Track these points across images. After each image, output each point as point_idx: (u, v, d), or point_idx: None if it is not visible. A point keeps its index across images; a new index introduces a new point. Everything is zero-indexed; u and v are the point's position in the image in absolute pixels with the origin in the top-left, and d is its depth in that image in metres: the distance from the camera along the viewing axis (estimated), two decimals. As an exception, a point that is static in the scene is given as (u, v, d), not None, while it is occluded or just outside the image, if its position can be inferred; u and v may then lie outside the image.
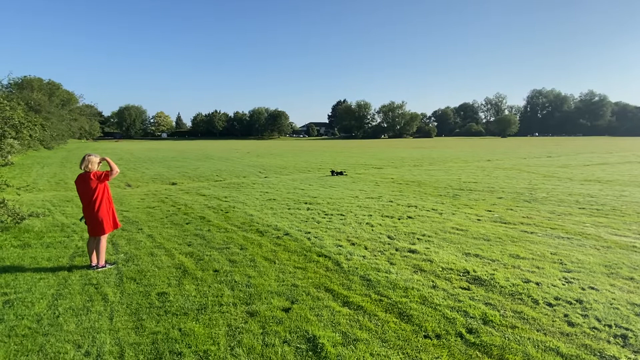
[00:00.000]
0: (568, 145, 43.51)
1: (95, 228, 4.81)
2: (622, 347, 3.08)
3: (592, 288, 4.17)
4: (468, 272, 4.66)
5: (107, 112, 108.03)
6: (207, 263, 5.06)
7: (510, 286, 4.24)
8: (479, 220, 7.39)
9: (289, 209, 8.60)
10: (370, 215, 7.83)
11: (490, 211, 8.17)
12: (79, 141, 64.79)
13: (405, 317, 3.59)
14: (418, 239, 6.12)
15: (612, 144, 46.47)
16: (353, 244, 5.85)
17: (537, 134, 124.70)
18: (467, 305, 3.80)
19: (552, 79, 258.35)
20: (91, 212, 4.78)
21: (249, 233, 6.54)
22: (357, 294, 4.10)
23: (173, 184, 13.44)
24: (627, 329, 3.32)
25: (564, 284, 4.28)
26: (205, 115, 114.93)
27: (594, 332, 3.30)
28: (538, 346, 3.10)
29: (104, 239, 4.88)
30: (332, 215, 7.90)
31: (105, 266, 4.88)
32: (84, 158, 4.80)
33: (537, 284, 4.30)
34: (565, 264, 4.91)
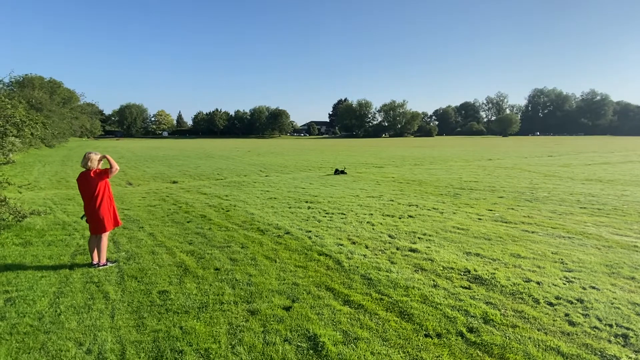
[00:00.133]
0: (569, 145, 43.44)
1: (96, 226, 4.83)
2: (623, 346, 3.08)
3: (593, 287, 4.17)
4: (469, 271, 4.65)
5: (108, 111, 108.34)
6: (208, 261, 5.06)
7: (511, 285, 4.24)
8: (479, 219, 7.38)
9: (289, 207, 8.60)
10: (371, 214, 7.83)
11: (491, 210, 8.17)
12: (80, 139, 64.89)
13: (406, 316, 3.59)
14: (419, 238, 6.12)
15: (614, 144, 46.37)
16: (354, 243, 5.85)
17: (538, 133, 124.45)
18: (468, 304, 3.81)
19: (553, 78, 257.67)
20: (92, 210, 4.79)
21: (250, 232, 6.54)
22: (357, 292, 4.10)
23: (174, 182, 13.45)
24: (628, 329, 3.32)
25: (564, 284, 4.28)
26: (206, 113, 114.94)
27: (594, 331, 3.30)
28: (539, 345, 3.10)
29: (105, 237, 4.89)
30: (332, 214, 7.90)
31: (106, 264, 4.89)
32: (84, 156, 4.81)
33: (538, 283, 4.30)
34: (566, 264, 4.90)
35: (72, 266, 4.88)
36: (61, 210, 8.34)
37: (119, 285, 4.30)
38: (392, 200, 9.41)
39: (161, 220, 7.46)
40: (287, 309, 3.74)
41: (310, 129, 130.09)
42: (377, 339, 3.21)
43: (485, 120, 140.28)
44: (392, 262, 5.00)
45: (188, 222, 7.29)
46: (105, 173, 4.81)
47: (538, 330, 3.34)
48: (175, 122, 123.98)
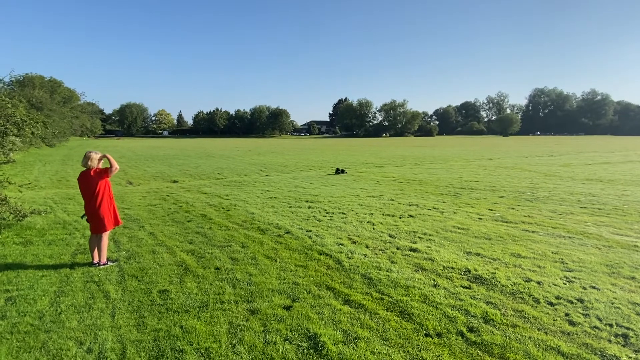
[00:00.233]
0: (570, 144, 43.41)
1: (96, 225, 4.83)
2: (623, 346, 3.08)
3: (594, 287, 4.17)
4: (469, 271, 4.66)
5: (108, 110, 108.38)
6: (208, 261, 5.07)
7: (512, 285, 4.24)
8: (480, 219, 7.38)
9: (290, 207, 8.60)
10: (372, 214, 7.83)
11: (491, 210, 8.17)
12: (81, 139, 64.90)
13: (406, 316, 3.59)
14: (419, 237, 6.12)
15: (614, 143, 46.34)
16: (354, 243, 5.85)
17: (538, 133, 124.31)
18: (468, 304, 3.81)
19: (554, 77, 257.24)
20: (92, 209, 4.80)
21: (250, 231, 6.55)
22: (358, 292, 4.10)
23: (174, 181, 13.45)
24: (628, 328, 3.32)
25: (565, 283, 4.28)
26: (207, 113, 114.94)
27: (595, 331, 3.30)
28: (539, 345, 3.10)
29: (105, 237, 4.90)
30: (333, 213, 7.91)
31: (107, 263, 4.89)
32: (85, 155, 4.81)
33: (538, 283, 4.30)
34: (567, 263, 4.90)
35: (72, 265, 4.89)
36: (62, 210, 8.35)
37: (119, 285, 4.30)
38: (393, 200, 9.40)
39: (161, 219, 7.47)
40: (288, 308, 3.74)
41: (311, 129, 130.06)
42: (377, 339, 3.21)
43: (485, 119, 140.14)
44: (392, 262, 5.00)
45: (188, 221, 7.29)
46: (105, 172, 4.81)
47: (538, 329, 3.34)
48: (175, 121, 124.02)
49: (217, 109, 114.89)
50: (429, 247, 5.61)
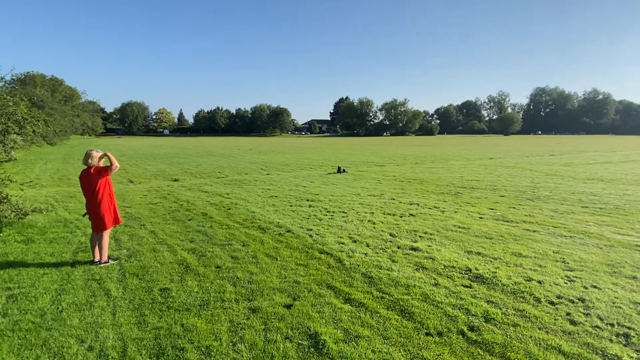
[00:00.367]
0: (571, 144, 43.32)
1: (97, 223, 4.84)
2: (625, 345, 3.07)
3: (595, 287, 4.16)
4: (470, 270, 4.65)
5: (109, 109, 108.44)
6: (209, 259, 5.07)
7: (513, 284, 4.23)
8: (481, 218, 7.37)
9: (290, 206, 8.61)
10: (372, 213, 7.83)
11: (492, 209, 8.16)
12: (82, 137, 64.96)
13: (407, 315, 3.59)
14: (420, 236, 6.12)
15: (616, 143, 46.23)
16: (355, 242, 5.85)
17: (540, 132, 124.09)
18: (469, 303, 3.80)
19: (555, 77, 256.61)
20: (93, 208, 4.81)
21: (251, 230, 6.55)
22: (358, 291, 4.10)
23: (175, 180, 13.46)
24: (629, 328, 3.31)
25: (566, 283, 4.28)
26: (208, 112, 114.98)
27: (596, 330, 3.29)
28: (540, 344, 3.10)
29: (106, 235, 4.90)
30: (334, 212, 7.91)
31: (108, 262, 4.90)
32: (86, 153, 4.82)
33: (540, 282, 4.29)
34: (568, 263, 4.90)
35: (73, 263, 4.90)
36: (63, 208, 8.36)
37: (120, 283, 4.31)
38: (393, 199, 9.40)
39: (162, 218, 7.47)
40: (288, 307, 3.74)
41: (312, 128, 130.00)
42: (378, 337, 3.21)
43: (486, 119, 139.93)
44: (393, 261, 5.00)
45: (189, 220, 7.30)
46: (105, 170, 4.81)
47: (539, 329, 3.33)
48: (176, 120, 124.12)
49: (218, 108, 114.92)
50: (430, 246, 5.61)
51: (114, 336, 3.22)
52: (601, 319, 3.47)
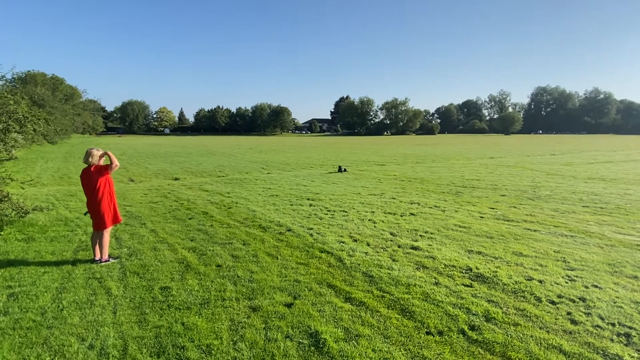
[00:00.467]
0: (572, 143, 43.25)
1: (97, 222, 4.84)
2: (626, 345, 3.07)
3: (596, 286, 4.16)
4: (471, 269, 4.65)
5: (110, 107, 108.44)
6: (209, 258, 5.07)
7: (513, 284, 4.23)
8: (481, 217, 7.37)
9: (291, 205, 8.61)
10: (373, 212, 7.82)
11: (493, 209, 8.15)
12: (82, 136, 65.01)
13: (407, 314, 3.59)
14: (420, 235, 6.12)
15: (617, 142, 46.15)
16: (355, 241, 5.85)
17: (540, 132, 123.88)
18: (470, 302, 3.80)
19: (556, 76, 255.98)
20: (93, 206, 4.81)
21: (252, 229, 6.55)
22: (359, 290, 4.10)
23: (176, 179, 13.47)
24: (630, 328, 3.31)
25: (567, 282, 4.27)
26: (208, 110, 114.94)
27: (597, 330, 3.29)
28: (541, 344, 3.10)
29: (107, 233, 4.91)
30: (334, 211, 7.90)
31: (108, 260, 4.90)
32: (86, 152, 4.82)
33: (540, 281, 4.28)
34: (569, 262, 4.89)
35: (74, 262, 4.90)
36: (63, 207, 8.37)
37: (121, 281, 4.31)
38: (394, 198, 9.39)
39: (163, 216, 7.48)
40: (289, 305, 3.74)
41: (312, 127, 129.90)
42: (378, 336, 3.21)
43: (487, 118, 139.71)
44: (393, 260, 4.99)
45: (190, 218, 7.30)
46: (105, 169, 4.82)
47: (540, 328, 3.33)
48: (177, 119, 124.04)
49: (218, 107, 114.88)
50: (431, 245, 5.61)
51: (114, 335, 3.22)
52: (602, 319, 3.47)
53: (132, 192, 10.45)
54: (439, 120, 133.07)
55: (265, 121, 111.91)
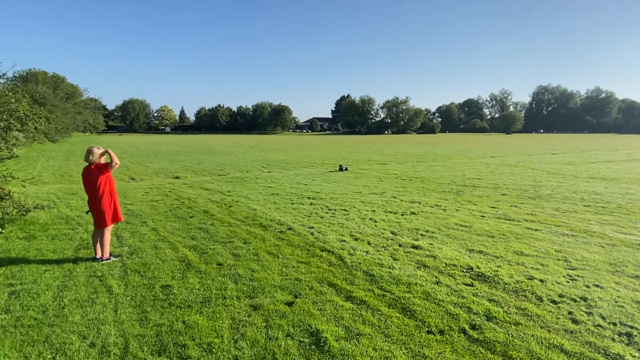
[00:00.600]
0: (573, 143, 43.17)
1: (98, 220, 4.85)
2: (627, 345, 3.06)
3: (597, 286, 4.15)
4: (472, 269, 4.64)
5: (111, 106, 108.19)
6: (210, 256, 5.08)
7: (514, 283, 4.22)
8: (482, 216, 7.36)
9: (292, 203, 8.60)
10: (374, 211, 7.82)
11: (494, 208, 8.14)
12: (83, 134, 65.08)
13: (408, 313, 3.59)
14: (421, 235, 6.11)
15: (618, 142, 46.05)
16: (356, 239, 5.84)
17: (542, 131, 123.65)
18: (471, 301, 3.80)
19: (558, 75, 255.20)
20: (94, 204, 4.82)
21: (253, 227, 6.55)
22: (360, 288, 4.10)
23: (177, 177, 13.47)
24: (632, 327, 3.30)
25: (568, 282, 4.27)
26: (209, 109, 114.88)
27: (598, 329, 3.28)
28: (542, 343, 3.09)
29: (108, 232, 4.91)
30: (335, 210, 7.90)
31: (109, 258, 4.91)
32: (87, 150, 4.83)
33: (541, 281, 4.28)
34: (570, 262, 4.88)
35: (75, 260, 4.91)
36: (65, 205, 8.38)
37: (122, 280, 4.32)
38: (395, 197, 9.39)
39: (164, 215, 7.48)
40: (290, 304, 3.75)
41: (313, 125, 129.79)
42: (379, 335, 3.21)
43: (488, 117, 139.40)
44: (394, 259, 4.99)
45: (191, 217, 7.30)
46: (106, 167, 4.82)
47: (541, 328, 3.33)
48: (177, 117, 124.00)
49: (219, 105, 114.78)
50: (431, 244, 5.60)
51: (115, 333, 3.23)
52: (603, 318, 3.46)
53: (133, 190, 10.46)
54: (440, 119, 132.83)
55: (266, 120, 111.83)
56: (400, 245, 5.55)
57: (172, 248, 5.42)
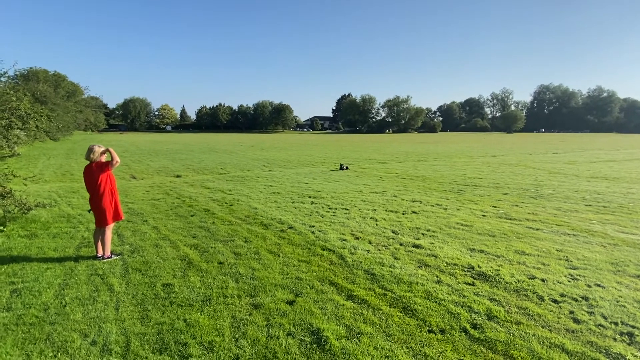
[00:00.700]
0: (575, 142, 43.07)
1: (99, 218, 4.86)
2: (629, 344, 3.06)
3: (598, 285, 4.14)
4: (473, 268, 4.64)
5: (112, 104, 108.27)
6: (211, 255, 5.08)
7: (516, 282, 4.22)
8: (484, 216, 7.35)
9: (293, 202, 8.60)
10: (375, 210, 7.81)
11: (495, 207, 8.13)
12: (85, 133, 65.15)
13: (409, 312, 3.59)
14: (422, 234, 6.11)
15: (620, 141, 45.93)
16: (357, 238, 5.84)
17: (543, 130, 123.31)
18: (472, 300, 3.79)
19: (559, 74, 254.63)
20: (95, 203, 4.82)
21: (253, 226, 6.55)
22: (361, 287, 4.10)
23: (177, 176, 13.48)
24: (633, 327, 3.29)
25: (569, 281, 4.26)
26: (210, 108, 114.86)
27: (599, 329, 3.28)
28: (543, 342, 3.09)
29: (109, 230, 4.92)
30: (336, 209, 7.90)
31: (111, 257, 4.92)
32: (88, 148, 4.83)
33: (543, 280, 4.27)
34: (571, 261, 4.87)
35: (77, 258, 4.91)
36: (66, 203, 8.39)
37: (123, 278, 4.32)
38: (396, 196, 9.38)
39: (165, 213, 7.49)
40: (291, 303, 3.75)
41: (314, 124, 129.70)
42: (380, 334, 3.21)
43: (489, 116, 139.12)
44: (395, 258, 4.99)
45: (192, 215, 7.31)
46: (106, 165, 4.82)
47: (542, 327, 3.32)
48: (178, 116, 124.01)
49: (220, 104, 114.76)
50: (432, 243, 5.60)
51: (117, 331, 3.23)
52: (605, 318, 3.45)
53: (134, 189, 10.47)
54: (441, 118, 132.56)
55: (266, 119, 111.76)
56: (401, 245, 5.55)
57: (173, 247, 5.43)
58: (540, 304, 3.73)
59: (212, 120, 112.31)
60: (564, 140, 50.16)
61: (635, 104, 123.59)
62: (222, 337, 3.14)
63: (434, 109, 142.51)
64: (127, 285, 4.12)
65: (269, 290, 4.01)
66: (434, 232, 6.20)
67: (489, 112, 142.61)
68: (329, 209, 7.93)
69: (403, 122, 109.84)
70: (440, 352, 2.97)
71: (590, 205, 8.33)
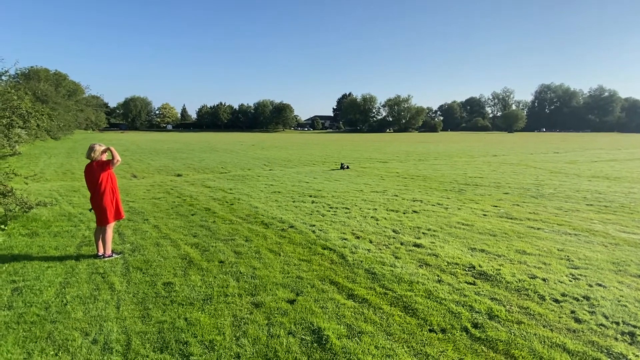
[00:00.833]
0: (576, 141, 42.99)
1: (99, 217, 4.86)
2: (630, 344, 3.05)
3: (600, 285, 4.14)
4: (474, 267, 4.63)
5: (113, 103, 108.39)
6: (212, 254, 5.08)
7: (517, 282, 4.21)
8: (484, 215, 7.34)
9: (293, 201, 8.60)
10: (375, 209, 7.81)
11: (496, 206, 8.12)
12: (85, 132, 65.22)
13: (410, 311, 3.59)
14: (423, 233, 6.10)
15: (621, 140, 45.83)
16: (358, 238, 5.84)
17: (544, 130, 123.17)
18: (473, 300, 3.79)
19: (561, 74, 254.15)
20: (96, 201, 4.83)
21: (254, 225, 6.55)
22: (361, 287, 4.10)
23: (178, 175, 13.49)
24: (634, 327, 3.29)
25: (570, 281, 4.25)
26: (210, 107, 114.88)
27: (601, 329, 3.27)
28: (544, 342, 3.08)
29: (110, 229, 4.92)
30: (336, 208, 7.89)
31: (111, 256, 4.92)
32: (89, 147, 4.83)
33: (544, 280, 4.27)
34: (572, 261, 4.87)
35: (78, 257, 4.92)
36: (67, 202, 8.40)
37: (124, 277, 4.32)
38: (397, 196, 9.37)
39: (166, 212, 7.49)
40: (291, 302, 3.75)
41: (314, 124, 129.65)
42: (381, 333, 3.20)
43: (490, 115, 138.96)
44: (396, 257, 4.99)
45: (192, 214, 7.31)
46: (107, 164, 4.83)
47: (543, 326, 3.32)
48: (179, 115, 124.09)
49: (220, 103, 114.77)
50: (433, 242, 5.59)
51: (118, 329, 3.24)
52: (606, 317, 3.45)
53: (135, 188, 10.48)
54: (442, 118, 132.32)
55: (267, 118, 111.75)
56: (402, 244, 5.54)
57: (173, 245, 5.43)
58: (542, 304, 3.72)
59: (212, 120, 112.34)
60: (565, 139, 50.06)
61: (637, 104, 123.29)
62: (223, 336, 3.14)
63: (434, 108, 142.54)
64: (128, 284, 4.13)
65: (270, 289, 4.01)
66: (434, 231, 6.20)
67: (490, 111, 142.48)
68: (330, 208, 7.93)
69: (404, 121, 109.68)
70: (441, 352, 2.97)
71: (591, 204, 8.31)
